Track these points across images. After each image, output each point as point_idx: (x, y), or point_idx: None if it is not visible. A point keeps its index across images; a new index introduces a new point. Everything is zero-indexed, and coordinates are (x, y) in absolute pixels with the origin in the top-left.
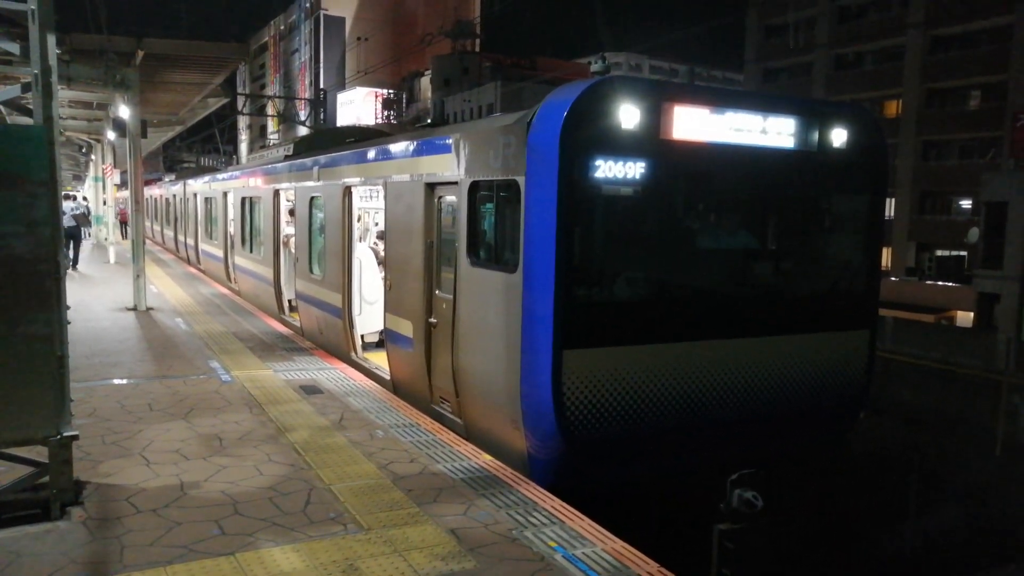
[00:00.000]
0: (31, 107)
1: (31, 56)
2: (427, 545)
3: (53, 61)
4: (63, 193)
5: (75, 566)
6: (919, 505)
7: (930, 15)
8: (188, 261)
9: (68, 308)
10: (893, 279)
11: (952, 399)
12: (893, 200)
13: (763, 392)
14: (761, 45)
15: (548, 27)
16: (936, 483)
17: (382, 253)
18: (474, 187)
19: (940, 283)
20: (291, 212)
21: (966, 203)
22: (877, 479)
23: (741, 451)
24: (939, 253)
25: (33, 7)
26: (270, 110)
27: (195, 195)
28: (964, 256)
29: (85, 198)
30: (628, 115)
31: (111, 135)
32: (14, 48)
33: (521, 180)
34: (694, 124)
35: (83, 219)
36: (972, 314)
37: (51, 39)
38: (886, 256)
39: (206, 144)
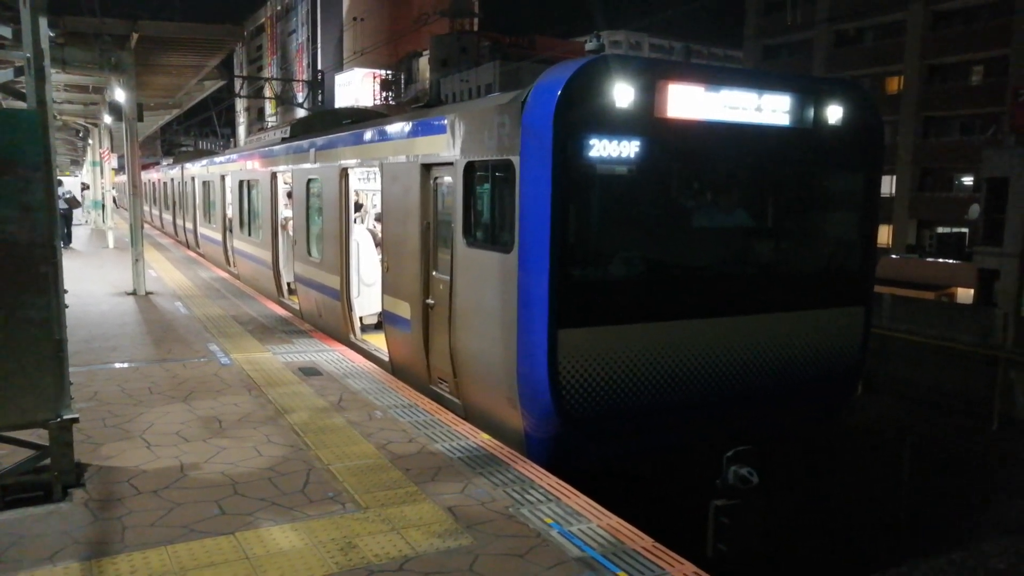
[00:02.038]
0: (24, 91)
1: (23, 40)
2: (424, 523)
3: (46, 45)
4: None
5: (77, 547)
6: (912, 481)
7: None
8: (187, 245)
9: (66, 292)
10: (894, 256)
11: (950, 375)
12: (894, 177)
13: (758, 370)
14: (761, 22)
15: (547, 6)
16: (931, 459)
17: (380, 235)
18: (469, 167)
19: (941, 260)
20: (289, 195)
21: (967, 180)
22: (872, 455)
23: (736, 429)
24: (940, 230)
25: None
26: (267, 92)
27: (193, 179)
28: (965, 233)
29: (85, 184)
30: (622, 94)
31: (107, 119)
32: (6, 32)
33: (516, 160)
34: (689, 102)
35: (74, 202)
36: (972, 291)
37: (43, 22)
38: (887, 233)
39: (204, 127)
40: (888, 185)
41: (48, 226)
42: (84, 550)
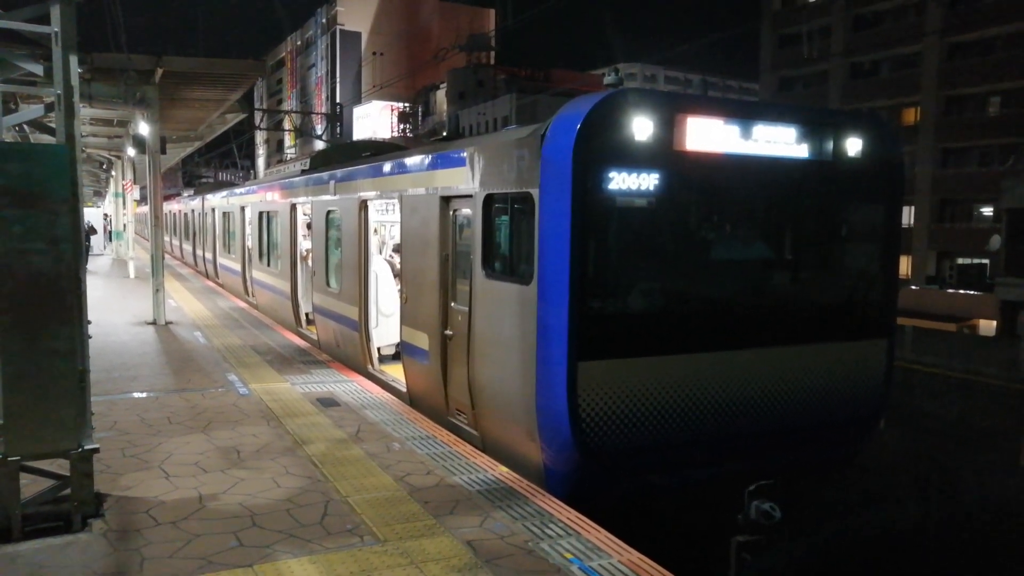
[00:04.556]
0: (53, 126)
1: (54, 77)
2: (443, 557)
3: (75, 81)
4: None
5: None
6: (937, 518)
7: (946, 22)
8: (206, 275)
9: (90, 323)
10: (914, 287)
11: (975, 409)
12: (912, 208)
13: (780, 403)
14: (776, 54)
15: (562, 39)
16: (956, 496)
17: (398, 266)
18: (489, 200)
19: (962, 291)
20: (308, 226)
21: (987, 210)
22: (896, 491)
23: (758, 463)
24: (960, 261)
25: (57, 29)
26: (287, 125)
27: (213, 210)
28: (986, 264)
29: (106, 215)
30: (641, 127)
31: (131, 151)
32: (38, 69)
33: (535, 193)
34: (707, 135)
35: (91, 229)
36: (995, 322)
37: (74, 60)
38: (907, 264)
39: (224, 159)
40: (907, 216)
41: (74, 257)
42: None
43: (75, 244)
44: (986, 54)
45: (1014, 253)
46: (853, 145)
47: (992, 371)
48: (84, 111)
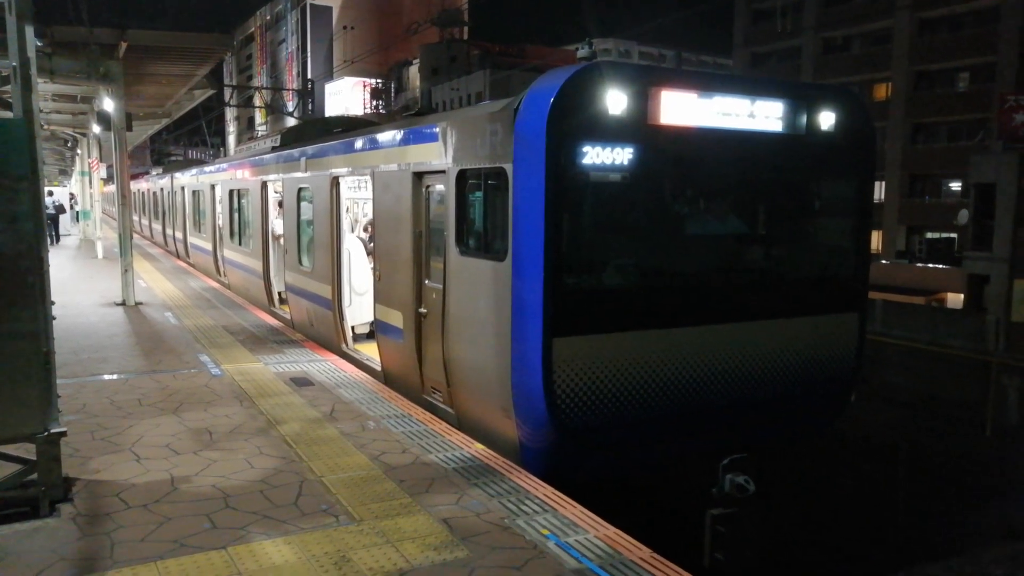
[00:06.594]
0: (11, 100)
1: (9, 48)
2: (419, 535)
3: (32, 53)
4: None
5: (64, 563)
6: (906, 487)
7: None
8: (177, 255)
9: (53, 304)
10: (884, 262)
11: (943, 381)
12: (883, 183)
13: (754, 377)
14: (749, 30)
15: (536, 14)
16: (925, 465)
17: (371, 244)
18: (462, 175)
19: (931, 265)
20: (280, 204)
21: (956, 185)
22: (867, 462)
23: (733, 437)
24: (929, 235)
25: None
26: (257, 101)
27: (182, 188)
28: (954, 238)
29: (73, 195)
30: (615, 101)
31: (96, 129)
32: None
33: (509, 168)
34: (682, 109)
35: (61, 208)
36: (962, 296)
37: (29, 30)
38: (876, 239)
39: (193, 137)
40: (877, 191)
41: (35, 237)
42: (71, 567)
43: (36, 222)
44: (955, 30)
45: (981, 227)
46: (826, 119)
47: (959, 343)
48: (46, 87)
